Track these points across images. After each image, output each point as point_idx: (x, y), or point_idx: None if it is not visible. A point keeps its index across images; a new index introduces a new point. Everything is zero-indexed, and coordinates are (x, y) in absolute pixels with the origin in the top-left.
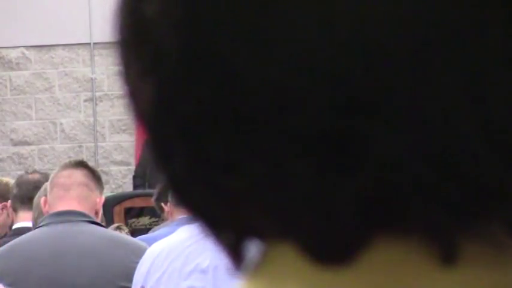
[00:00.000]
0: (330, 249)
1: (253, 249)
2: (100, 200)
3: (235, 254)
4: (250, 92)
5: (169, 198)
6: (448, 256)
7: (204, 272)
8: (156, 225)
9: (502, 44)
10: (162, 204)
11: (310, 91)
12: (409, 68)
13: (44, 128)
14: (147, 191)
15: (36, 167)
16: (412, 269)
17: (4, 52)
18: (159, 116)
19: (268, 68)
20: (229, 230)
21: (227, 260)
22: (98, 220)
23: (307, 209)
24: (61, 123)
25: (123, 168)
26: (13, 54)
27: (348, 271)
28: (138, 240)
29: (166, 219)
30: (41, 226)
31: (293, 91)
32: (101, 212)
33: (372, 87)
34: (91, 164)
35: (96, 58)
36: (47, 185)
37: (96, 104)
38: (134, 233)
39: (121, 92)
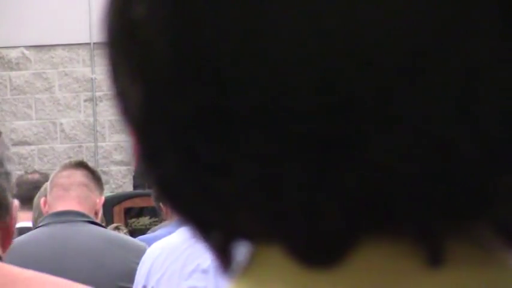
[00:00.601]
0: (318, 250)
1: (241, 251)
2: (100, 200)
3: (224, 256)
4: (239, 92)
5: None
6: (435, 258)
7: (205, 272)
8: (156, 225)
9: (494, 46)
10: (161, 204)
11: (299, 92)
12: (399, 69)
13: (44, 128)
14: (147, 191)
15: (36, 167)
16: (399, 270)
17: (4, 52)
18: (147, 117)
19: (257, 69)
20: (218, 231)
21: (216, 262)
22: (98, 220)
23: (295, 210)
24: (61, 123)
25: (123, 168)
26: (13, 54)
27: (335, 273)
28: (138, 240)
29: (165, 219)
30: (40, 226)
31: (282, 92)
32: (100, 212)
33: (361, 89)
34: (91, 164)
35: (96, 58)
36: (46, 185)
37: (96, 104)
38: (134, 233)
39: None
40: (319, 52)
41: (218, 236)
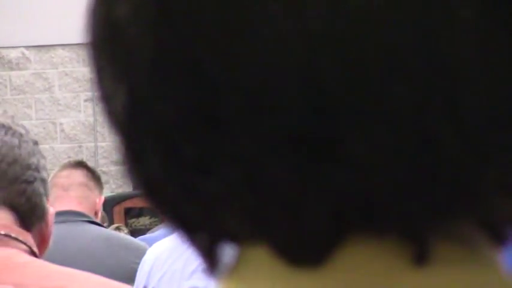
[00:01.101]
0: (303, 250)
1: (227, 251)
2: (100, 200)
3: (210, 257)
4: (224, 93)
5: None
6: (420, 255)
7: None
8: (156, 225)
9: (476, 39)
10: None
11: (282, 92)
12: (381, 67)
13: (44, 128)
14: None
15: None
16: (385, 268)
17: (4, 52)
18: (132, 118)
19: (240, 69)
20: (204, 232)
21: (202, 262)
22: (98, 220)
23: (280, 210)
24: (61, 123)
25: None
26: (13, 54)
27: (321, 272)
28: (138, 240)
29: (164, 219)
30: None
31: (266, 92)
32: (100, 212)
33: (345, 88)
34: (91, 164)
35: None
36: None
37: (96, 104)
38: (134, 233)
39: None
40: (302, 52)
41: (204, 237)
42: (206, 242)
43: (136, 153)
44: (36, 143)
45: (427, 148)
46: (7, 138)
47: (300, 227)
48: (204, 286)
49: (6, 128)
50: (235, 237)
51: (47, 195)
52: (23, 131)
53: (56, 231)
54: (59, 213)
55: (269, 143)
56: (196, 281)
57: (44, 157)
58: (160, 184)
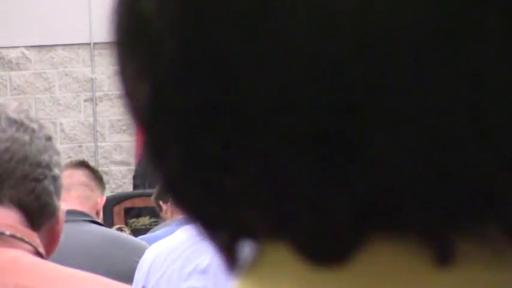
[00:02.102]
0: (324, 249)
1: (247, 249)
2: (101, 200)
3: (229, 254)
4: (248, 90)
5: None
6: (443, 256)
7: (203, 272)
8: (156, 225)
9: (499, 43)
10: (162, 203)
11: (306, 90)
12: (406, 69)
13: None
14: (147, 191)
15: None
16: (406, 269)
17: (4, 52)
18: (154, 115)
19: (265, 67)
20: (224, 230)
21: (221, 260)
22: (99, 220)
23: (302, 209)
24: (61, 123)
25: (123, 168)
26: (13, 54)
27: (341, 272)
28: (139, 239)
29: (165, 219)
30: None
31: (290, 90)
32: (101, 212)
33: (368, 87)
34: (91, 164)
35: (96, 58)
36: None
37: (96, 104)
38: (134, 233)
39: (121, 92)
40: (328, 51)
41: (224, 234)
42: (225, 240)
43: (157, 149)
44: (49, 138)
45: (451, 150)
46: (18, 134)
47: (322, 226)
48: (201, 286)
49: (19, 124)
50: (255, 235)
51: (58, 192)
52: (35, 127)
53: None
54: None
55: (292, 141)
56: (194, 281)
57: (58, 153)
58: (181, 181)
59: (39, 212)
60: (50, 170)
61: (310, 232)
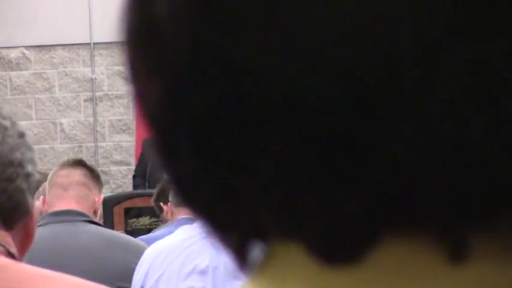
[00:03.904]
0: (339, 248)
1: (256, 250)
2: (99, 199)
3: (239, 255)
4: (262, 90)
5: (170, 199)
6: (457, 253)
7: (203, 272)
8: (156, 225)
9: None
10: (162, 204)
11: (321, 89)
12: (422, 68)
13: (44, 128)
14: (147, 191)
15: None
16: (421, 267)
17: (4, 52)
18: (167, 115)
19: (280, 66)
20: (235, 230)
21: (231, 261)
22: (97, 219)
23: (316, 208)
24: (61, 123)
25: (123, 168)
26: (13, 54)
27: (354, 271)
28: (137, 240)
29: (166, 220)
30: (39, 226)
31: (305, 90)
32: (100, 211)
33: (385, 86)
34: (91, 164)
35: (96, 58)
36: (45, 184)
37: (96, 104)
38: (134, 233)
39: (121, 92)
40: (343, 51)
41: (234, 235)
42: (236, 240)
43: (169, 149)
44: (22, 135)
45: (466, 150)
46: None
47: (336, 225)
48: (201, 287)
49: None
50: (266, 236)
51: (31, 190)
52: (7, 124)
53: (55, 230)
54: (58, 213)
55: (307, 140)
56: (192, 282)
57: (31, 149)
58: (193, 181)
59: (12, 212)
60: (23, 168)
61: (324, 232)
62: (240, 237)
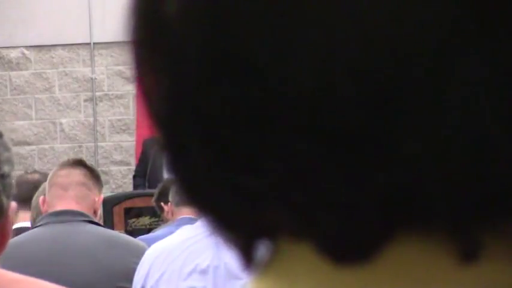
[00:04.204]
0: (351, 247)
1: (262, 249)
2: (99, 199)
3: (246, 254)
4: (273, 89)
5: (170, 199)
6: (469, 253)
7: (203, 272)
8: (156, 225)
9: None
10: (162, 204)
11: (333, 90)
12: (434, 67)
13: (44, 128)
14: (147, 191)
15: (36, 167)
16: (432, 266)
17: (4, 52)
18: (175, 114)
19: (292, 66)
20: (242, 229)
21: (235, 260)
22: (97, 219)
23: (328, 207)
24: (61, 123)
25: (123, 168)
26: (13, 54)
27: (366, 270)
28: (137, 240)
29: (166, 220)
30: (39, 226)
31: (319, 91)
32: (100, 210)
33: (396, 86)
34: (91, 164)
35: (96, 58)
36: (45, 184)
37: (96, 104)
38: (134, 233)
39: (121, 92)
40: (359, 52)
41: (241, 234)
42: (243, 239)
43: (176, 148)
44: None
45: (480, 149)
46: None
47: (348, 224)
48: (201, 286)
49: None
50: (274, 234)
51: (6, 190)
52: None
53: (54, 231)
54: (57, 213)
55: (319, 140)
56: (193, 281)
57: (8, 149)
58: (201, 180)
59: None
60: None
61: (336, 231)
62: (247, 236)
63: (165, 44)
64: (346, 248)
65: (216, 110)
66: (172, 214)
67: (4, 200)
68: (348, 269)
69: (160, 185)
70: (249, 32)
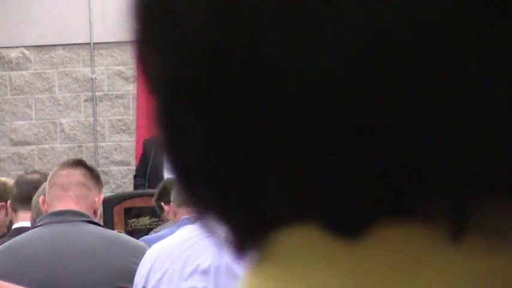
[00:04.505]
0: (350, 217)
1: (256, 242)
2: (99, 199)
3: (243, 247)
4: (277, 74)
5: (172, 199)
6: (458, 233)
7: (204, 272)
8: (156, 225)
9: None
10: (163, 204)
11: (334, 69)
12: (441, 59)
13: (44, 128)
14: (147, 191)
15: (36, 167)
16: (422, 245)
17: (4, 52)
18: (176, 96)
19: (302, 55)
20: (240, 222)
21: (233, 256)
22: (97, 219)
23: (330, 189)
24: (61, 123)
25: (123, 168)
26: (13, 54)
27: (360, 246)
28: (138, 240)
29: (166, 220)
30: (39, 226)
31: (325, 77)
32: (100, 210)
33: (400, 72)
34: (91, 164)
35: (96, 58)
36: (45, 184)
37: (96, 104)
38: (134, 233)
39: (121, 92)
40: (365, 39)
41: (238, 227)
42: (241, 232)
43: (176, 137)
44: None
45: (480, 130)
46: None
47: (348, 201)
48: (203, 286)
49: None
50: (273, 225)
51: None
52: None
53: (54, 231)
54: (57, 213)
55: (319, 124)
56: (194, 281)
57: None
58: (200, 168)
59: None
60: None
61: (337, 205)
62: (244, 229)
63: (168, 22)
64: (346, 218)
65: (219, 94)
66: (174, 214)
67: None
68: (343, 248)
69: (160, 185)
70: (256, 23)
